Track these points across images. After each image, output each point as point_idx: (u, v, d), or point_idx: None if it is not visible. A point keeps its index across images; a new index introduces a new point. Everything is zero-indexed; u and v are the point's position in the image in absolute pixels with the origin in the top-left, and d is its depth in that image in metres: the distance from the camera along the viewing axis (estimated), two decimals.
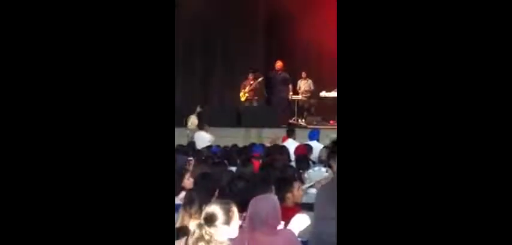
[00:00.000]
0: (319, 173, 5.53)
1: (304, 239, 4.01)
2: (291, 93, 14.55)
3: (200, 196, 4.24)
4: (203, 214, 3.26)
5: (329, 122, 13.71)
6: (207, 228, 3.06)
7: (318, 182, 5.41)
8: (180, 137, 10.79)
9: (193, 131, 11.54)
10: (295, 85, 14.74)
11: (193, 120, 11.70)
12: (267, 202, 3.90)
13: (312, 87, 14.74)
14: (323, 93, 14.11)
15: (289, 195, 4.78)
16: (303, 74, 14.80)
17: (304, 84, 14.80)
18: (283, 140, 10.03)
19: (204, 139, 10.73)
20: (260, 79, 14.59)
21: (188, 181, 5.47)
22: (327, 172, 5.59)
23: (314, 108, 14.77)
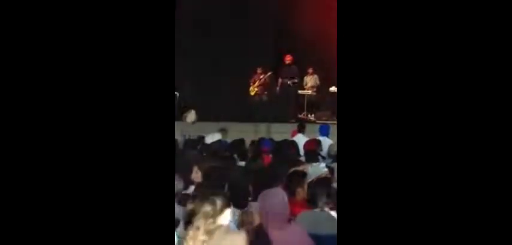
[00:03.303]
0: (318, 169, 5.49)
1: (318, 233, 3.97)
2: (290, 82, 14.50)
3: (209, 190, 4.20)
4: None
5: None
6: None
7: (319, 177, 5.37)
8: (185, 131, 10.79)
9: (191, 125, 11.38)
10: (302, 80, 14.76)
11: (190, 115, 11.59)
12: (276, 196, 3.88)
13: (318, 83, 14.76)
14: (333, 89, 14.10)
15: (299, 190, 4.75)
16: (310, 70, 14.81)
17: (310, 80, 14.81)
18: (293, 134, 10.01)
19: (213, 136, 10.68)
20: (269, 73, 14.59)
21: (197, 174, 5.43)
22: (326, 167, 5.55)
23: (323, 103, 14.78)
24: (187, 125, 11.83)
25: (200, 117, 13.50)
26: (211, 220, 3.20)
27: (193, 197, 4.08)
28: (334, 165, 6.04)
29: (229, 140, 9.35)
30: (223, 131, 10.28)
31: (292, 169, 5.26)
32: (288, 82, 14.40)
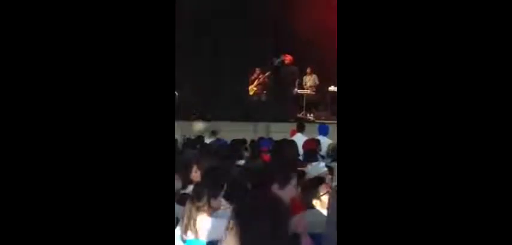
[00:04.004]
0: (317, 169, 5.49)
1: (316, 232, 3.97)
2: (296, 88, 14.61)
3: (208, 190, 4.21)
4: None
5: None
6: None
7: (313, 176, 5.36)
8: (185, 131, 10.79)
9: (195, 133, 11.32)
10: (301, 80, 14.79)
11: (196, 126, 11.55)
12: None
13: (317, 82, 14.80)
14: (332, 88, 14.12)
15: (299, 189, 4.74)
16: (308, 70, 14.85)
17: (309, 80, 14.85)
18: (292, 134, 10.02)
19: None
20: (268, 73, 14.62)
21: (196, 174, 5.43)
22: (325, 167, 5.55)
23: (322, 103, 14.82)
24: (188, 126, 11.83)
25: (199, 118, 13.51)
26: None
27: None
28: (333, 164, 6.04)
29: (228, 140, 9.36)
30: (214, 132, 10.26)
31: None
32: (275, 62, 14.43)
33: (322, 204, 4.32)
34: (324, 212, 4.26)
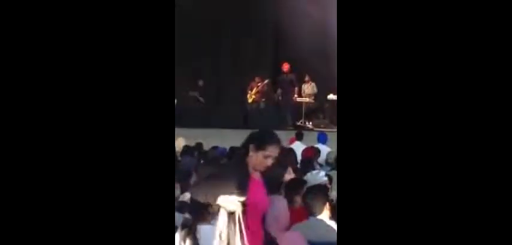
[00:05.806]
0: (317, 177, 5.46)
1: (316, 241, 3.97)
2: (296, 95, 14.64)
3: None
4: None
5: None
6: None
7: (315, 185, 5.34)
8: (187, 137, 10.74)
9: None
10: (300, 88, 14.82)
11: (179, 142, 11.43)
12: (278, 203, 3.88)
13: (316, 90, 14.83)
14: (331, 96, 14.14)
15: (297, 198, 4.73)
16: (306, 78, 14.88)
17: (308, 88, 14.88)
18: (291, 142, 10.01)
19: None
20: (266, 81, 14.65)
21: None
22: (325, 176, 5.53)
23: (320, 111, 14.85)
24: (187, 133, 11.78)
25: (199, 124, 13.47)
26: None
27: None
28: (332, 173, 6.02)
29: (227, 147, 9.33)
30: (198, 144, 10.13)
31: (290, 177, 5.25)
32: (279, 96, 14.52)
33: (325, 212, 4.29)
34: (326, 220, 4.25)
